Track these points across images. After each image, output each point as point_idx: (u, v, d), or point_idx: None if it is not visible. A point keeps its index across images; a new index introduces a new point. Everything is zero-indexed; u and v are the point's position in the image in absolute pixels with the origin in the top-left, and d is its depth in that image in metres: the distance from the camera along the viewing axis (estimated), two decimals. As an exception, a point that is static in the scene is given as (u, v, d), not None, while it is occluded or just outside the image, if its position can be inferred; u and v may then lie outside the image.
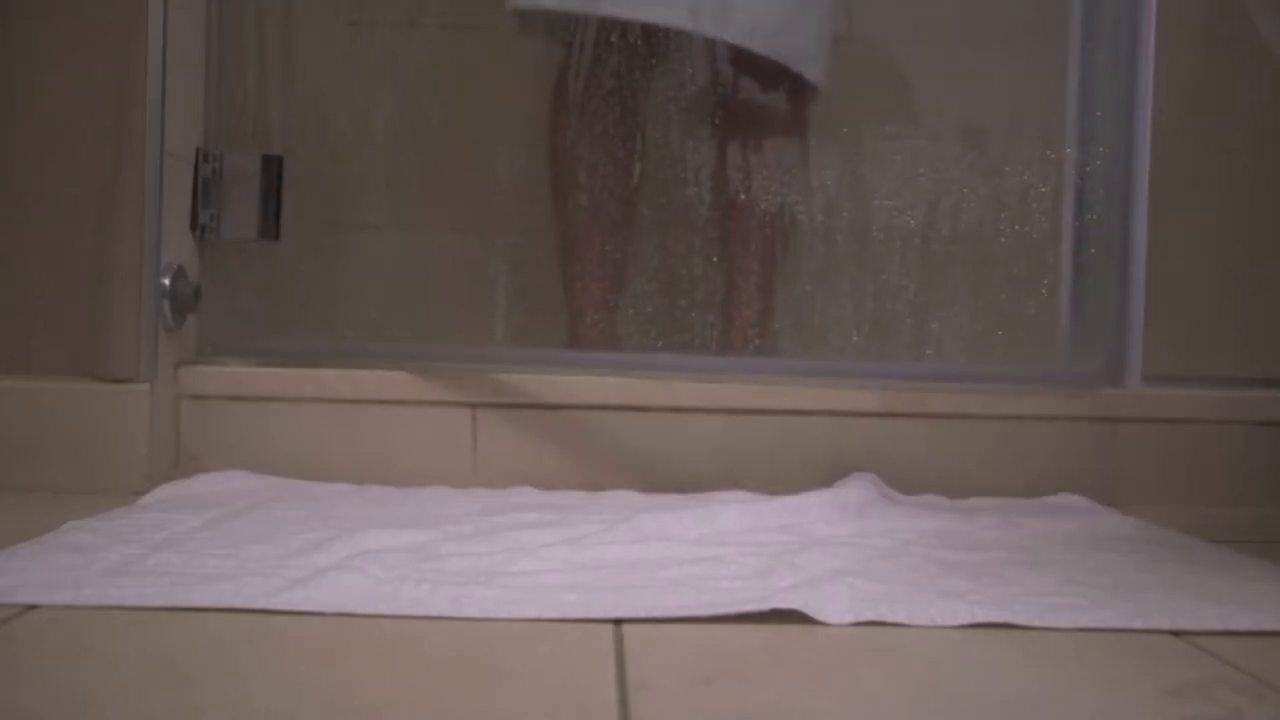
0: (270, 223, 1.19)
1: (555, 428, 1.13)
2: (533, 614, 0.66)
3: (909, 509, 1.04)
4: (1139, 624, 0.66)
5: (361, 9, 1.85)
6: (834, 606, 0.67)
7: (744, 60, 1.46)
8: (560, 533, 0.87)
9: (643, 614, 0.66)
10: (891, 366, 1.24)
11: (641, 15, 1.42)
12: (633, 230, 1.59)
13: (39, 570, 0.71)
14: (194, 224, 1.14)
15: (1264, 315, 1.32)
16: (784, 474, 1.12)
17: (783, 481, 1.10)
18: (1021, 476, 1.17)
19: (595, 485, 1.12)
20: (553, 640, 0.62)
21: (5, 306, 1.06)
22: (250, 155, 1.19)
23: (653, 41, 1.52)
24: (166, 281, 1.07)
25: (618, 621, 0.65)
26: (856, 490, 1.04)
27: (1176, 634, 0.66)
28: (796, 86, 1.52)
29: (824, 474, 1.11)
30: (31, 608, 0.64)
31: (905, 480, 1.12)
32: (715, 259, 1.62)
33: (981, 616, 0.67)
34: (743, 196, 1.58)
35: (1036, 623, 0.66)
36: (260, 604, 0.66)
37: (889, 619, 0.66)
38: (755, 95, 1.52)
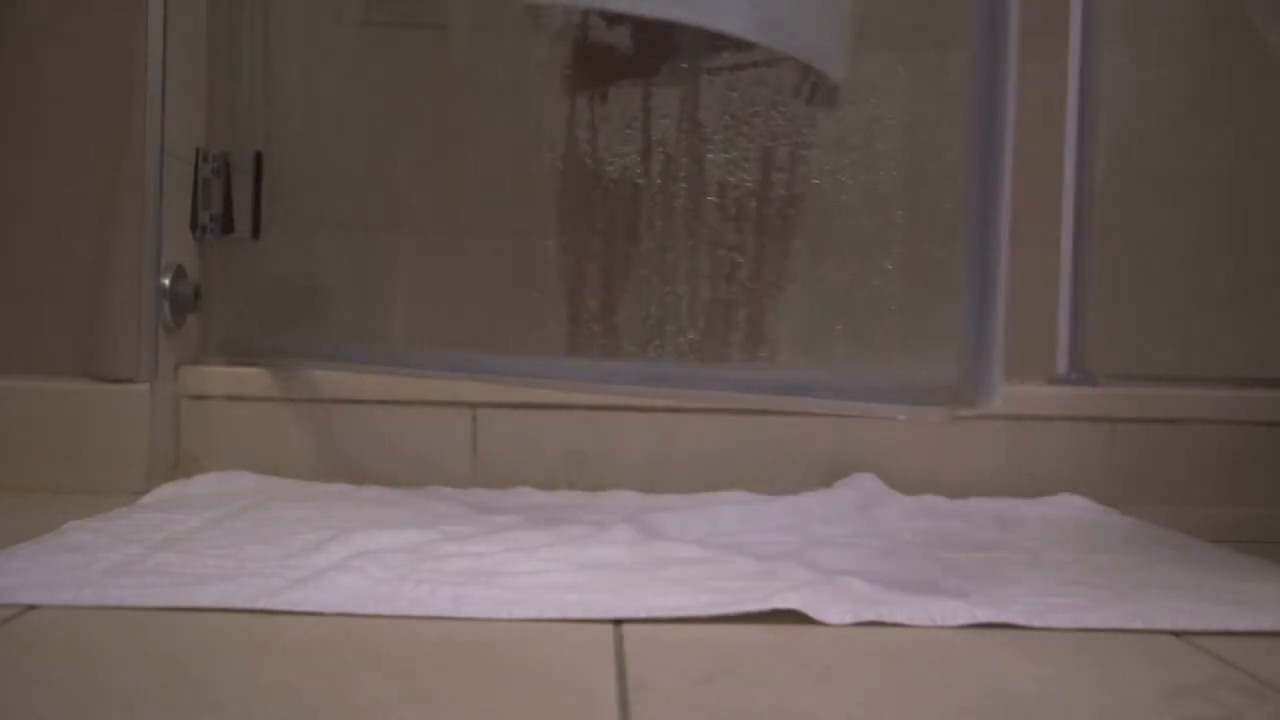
0: (249, 222, 1.18)
1: (555, 428, 1.13)
2: (533, 614, 0.66)
3: (909, 509, 1.04)
4: (1139, 624, 0.66)
5: (367, 10, 1.85)
6: (834, 606, 0.67)
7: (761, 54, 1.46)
8: (560, 532, 0.87)
9: (643, 614, 0.66)
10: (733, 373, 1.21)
11: (661, 13, 1.41)
12: (640, 232, 1.60)
13: (39, 570, 0.71)
14: (194, 224, 1.14)
15: (1264, 315, 1.32)
16: (784, 474, 1.12)
17: (783, 481, 1.10)
18: (1021, 476, 1.17)
19: (595, 485, 1.12)
20: (553, 640, 0.62)
21: (5, 306, 1.06)
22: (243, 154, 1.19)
23: (667, 33, 1.52)
24: (166, 281, 1.07)
25: (618, 621, 0.65)
26: (856, 490, 1.04)
27: (1176, 634, 0.66)
28: (814, 81, 1.53)
29: (824, 474, 1.11)
30: (31, 608, 0.64)
31: (905, 480, 1.12)
32: (726, 255, 1.62)
33: (981, 616, 0.67)
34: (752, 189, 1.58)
35: (1036, 623, 0.66)
36: (260, 604, 0.66)
37: (889, 619, 0.66)
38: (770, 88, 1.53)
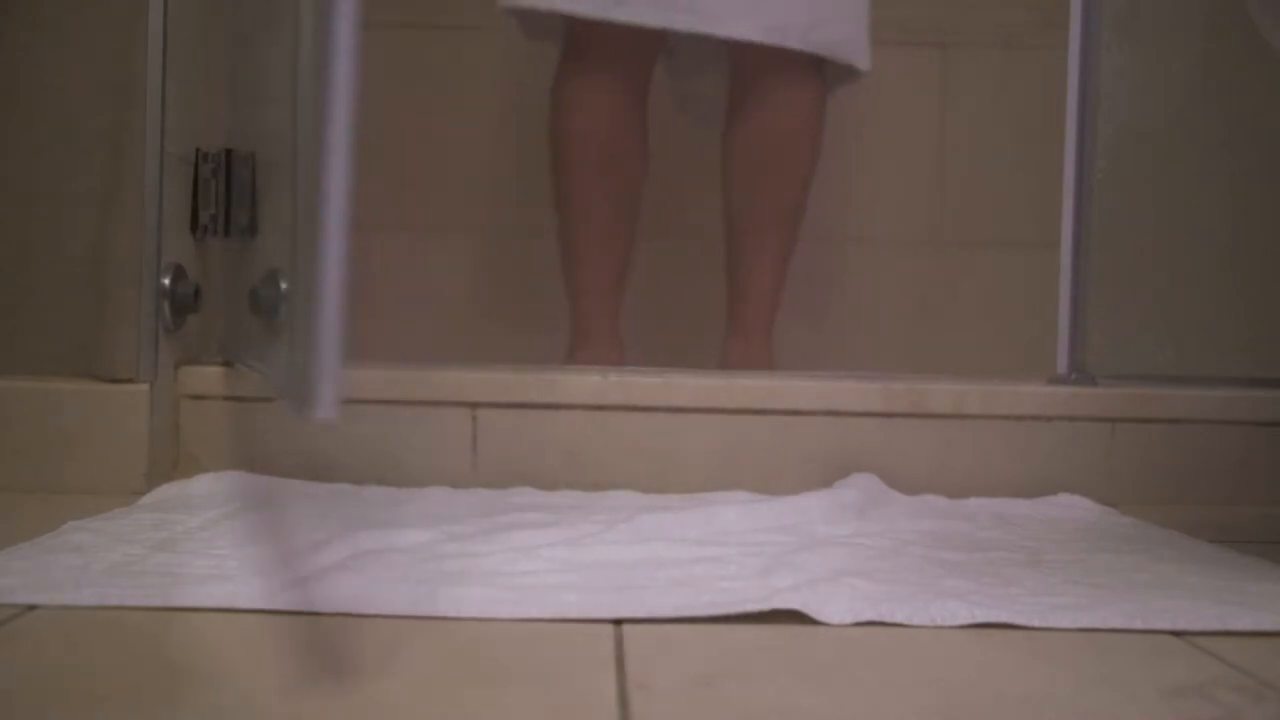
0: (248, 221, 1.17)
1: (555, 428, 1.13)
2: (533, 614, 0.66)
3: (909, 509, 1.04)
4: (1139, 624, 0.66)
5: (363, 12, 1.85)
6: (834, 607, 0.67)
7: (772, 52, 1.44)
8: (560, 533, 0.87)
9: (643, 614, 0.66)
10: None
11: (663, 22, 1.41)
12: (638, 223, 1.55)
13: (39, 570, 0.71)
14: (194, 224, 1.13)
15: (1264, 315, 1.32)
16: (784, 474, 1.12)
17: (783, 481, 1.10)
18: (1021, 476, 1.17)
19: (595, 485, 1.12)
20: (553, 640, 0.62)
21: (5, 306, 1.06)
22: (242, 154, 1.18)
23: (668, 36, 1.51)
24: (166, 282, 1.07)
25: (618, 621, 0.65)
26: (856, 490, 1.04)
27: (1177, 634, 0.66)
28: (830, 73, 1.51)
29: (824, 474, 1.11)
30: (31, 608, 0.64)
31: (905, 480, 1.12)
32: (726, 255, 1.61)
33: (981, 617, 0.67)
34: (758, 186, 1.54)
35: (1036, 623, 0.66)
36: (260, 604, 0.66)
37: (889, 619, 0.66)
38: (780, 84, 1.50)
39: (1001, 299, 1.90)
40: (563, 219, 1.53)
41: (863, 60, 1.47)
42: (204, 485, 1.04)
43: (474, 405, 1.13)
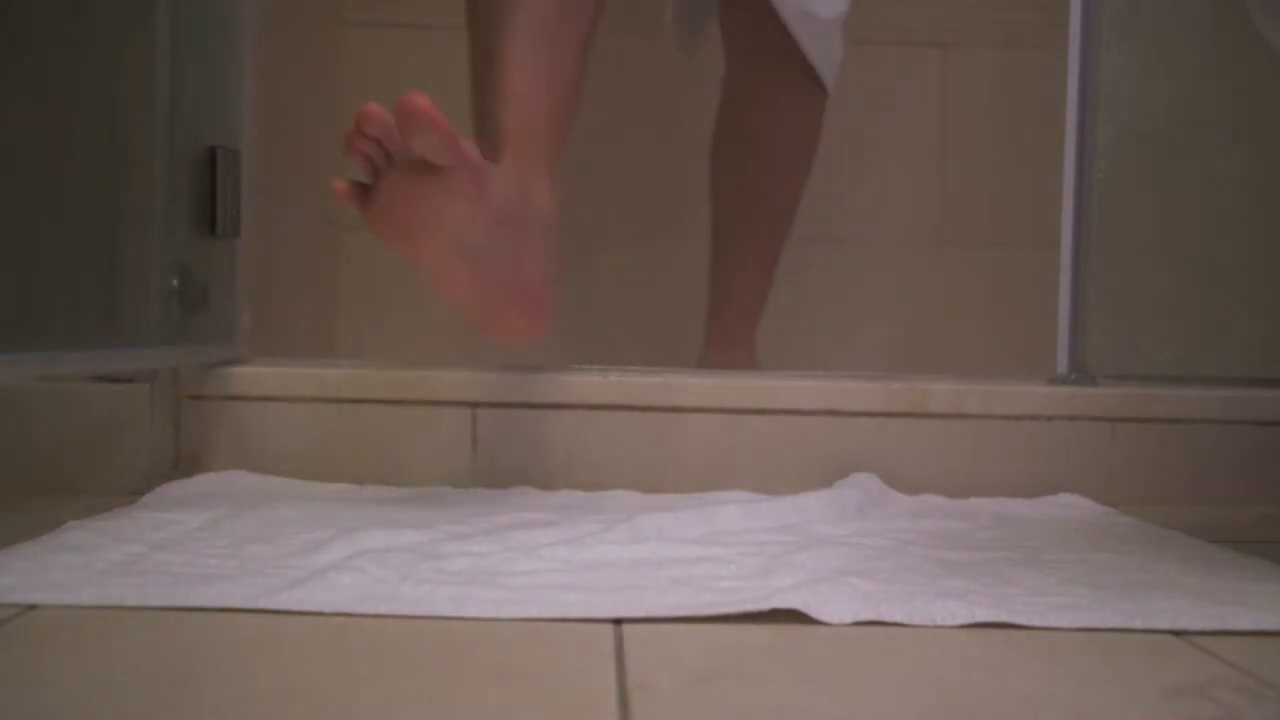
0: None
1: (555, 428, 1.13)
2: (533, 614, 0.66)
3: (909, 509, 1.04)
4: (1139, 624, 0.66)
5: (363, 12, 1.85)
6: (834, 606, 0.67)
7: (775, 53, 1.38)
8: (560, 533, 0.87)
9: (643, 614, 0.66)
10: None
11: None
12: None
13: (39, 570, 0.71)
14: (212, 224, 1.13)
15: (1264, 315, 1.32)
16: (784, 474, 1.12)
17: (783, 481, 1.10)
18: (1021, 476, 1.17)
19: (595, 485, 1.12)
20: (553, 640, 0.62)
21: (6, 305, 1.06)
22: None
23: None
24: (175, 282, 1.07)
25: (617, 621, 0.65)
26: (856, 490, 1.04)
27: (1177, 634, 0.66)
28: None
29: (824, 474, 1.11)
30: (31, 608, 0.64)
31: (905, 480, 1.12)
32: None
33: (981, 616, 0.67)
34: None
35: (1037, 622, 0.66)
36: (261, 604, 0.66)
37: (889, 619, 0.66)
38: (783, 87, 1.43)
39: (1001, 299, 1.90)
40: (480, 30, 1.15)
41: (831, 81, 1.45)
42: (204, 485, 1.04)
43: (474, 405, 1.13)
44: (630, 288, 1.93)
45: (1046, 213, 1.35)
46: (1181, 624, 0.66)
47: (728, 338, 1.48)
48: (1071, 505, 1.11)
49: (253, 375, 1.15)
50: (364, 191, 0.83)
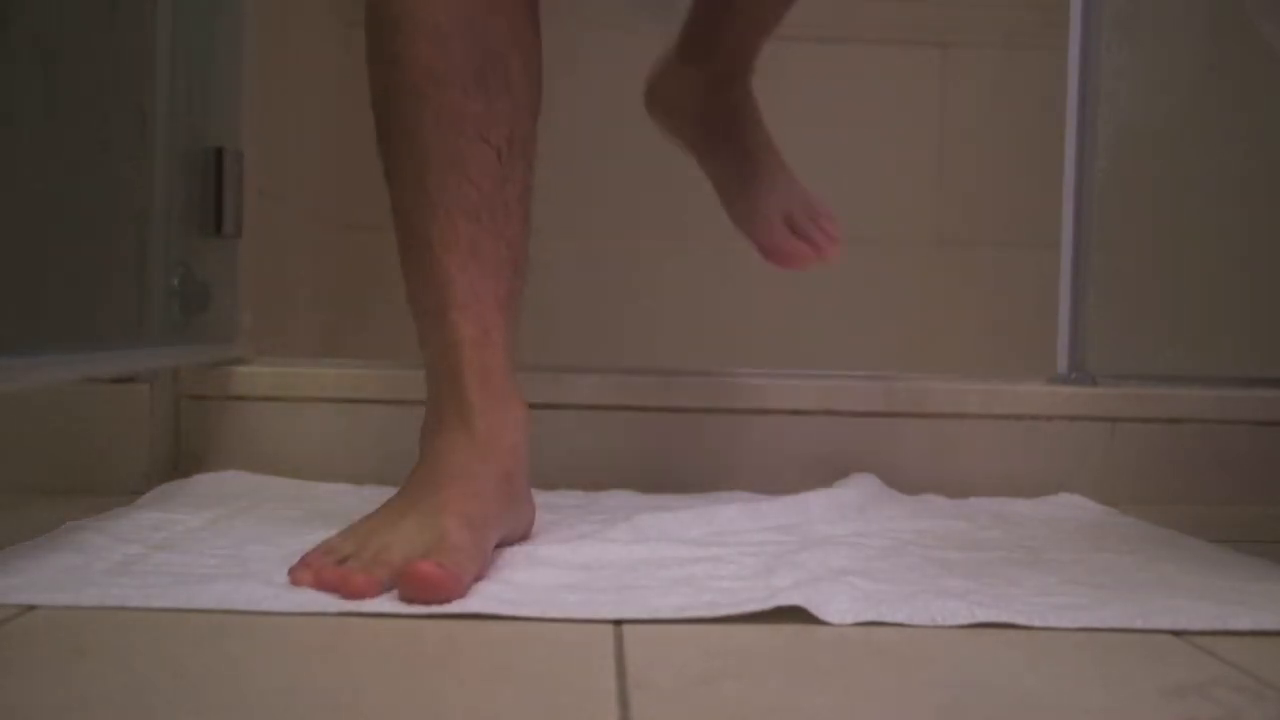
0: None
1: (556, 428, 1.13)
2: (533, 613, 0.66)
3: (909, 509, 1.04)
4: (1139, 624, 0.66)
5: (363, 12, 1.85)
6: (835, 606, 0.67)
7: None
8: (560, 533, 0.87)
9: (644, 614, 0.66)
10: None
11: None
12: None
13: (39, 570, 0.71)
14: (218, 224, 1.13)
15: (1264, 315, 1.32)
16: (784, 474, 1.12)
17: (783, 481, 1.10)
18: (1021, 476, 1.17)
19: (595, 485, 1.12)
20: (553, 640, 0.62)
21: (7, 304, 1.06)
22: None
23: None
24: (175, 282, 1.07)
25: (617, 622, 0.65)
26: (856, 490, 1.04)
27: (1176, 633, 0.66)
28: None
29: (824, 474, 1.11)
30: (31, 608, 0.64)
31: (905, 480, 1.12)
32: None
33: (982, 616, 0.67)
34: None
35: (1037, 622, 0.66)
36: (262, 605, 0.66)
37: (890, 619, 0.66)
38: None
39: (1001, 299, 1.90)
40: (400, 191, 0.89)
41: None
42: (204, 485, 1.04)
43: (474, 405, 1.13)
44: (631, 287, 1.93)
45: (1046, 213, 1.35)
46: (1182, 624, 0.66)
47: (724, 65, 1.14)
48: (1071, 505, 1.11)
49: (253, 375, 1.15)
50: None
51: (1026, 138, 1.83)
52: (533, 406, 1.13)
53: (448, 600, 0.67)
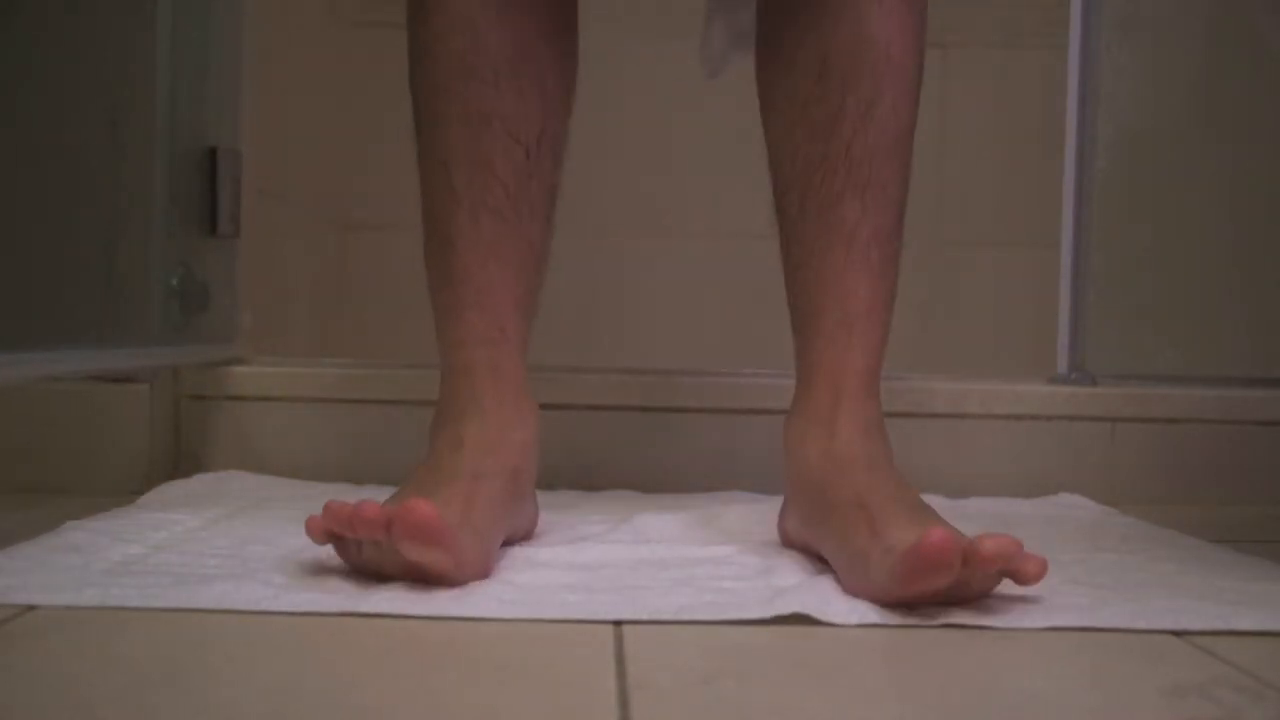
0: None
1: (555, 428, 1.13)
2: (533, 614, 0.66)
3: (909, 509, 1.04)
4: (1140, 624, 0.66)
5: (363, 12, 1.85)
6: (836, 607, 0.67)
7: None
8: (560, 533, 0.87)
9: (645, 615, 0.66)
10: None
11: None
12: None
13: (39, 570, 0.71)
14: (213, 224, 1.13)
15: (1264, 315, 1.32)
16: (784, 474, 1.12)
17: (783, 481, 1.10)
18: (1021, 476, 1.17)
19: (595, 485, 1.12)
20: (553, 640, 0.62)
21: (8, 304, 1.06)
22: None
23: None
24: (174, 282, 1.07)
25: (618, 622, 0.65)
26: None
27: (1177, 634, 0.66)
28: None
29: (824, 474, 1.10)
30: (31, 608, 0.64)
31: (905, 480, 1.12)
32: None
33: (984, 617, 0.67)
34: None
35: (1040, 623, 0.66)
36: (262, 605, 0.66)
37: (890, 619, 0.66)
38: None
39: (1001, 299, 1.90)
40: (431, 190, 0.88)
41: None
42: (204, 485, 1.04)
43: (474, 405, 1.13)
44: (631, 287, 1.93)
45: (1046, 213, 1.35)
46: (1184, 624, 0.66)
47: (826, 404, 0.86)
48: (1071, 505, 1.11)
49: (253, 375, 1.15)
50: (341, 544, 0.72)
51: (1026, 138, 1.83)
52: (533, 406, 1.13)
53: (438, 545, 0.67)
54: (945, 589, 0.67)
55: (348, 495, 1.04)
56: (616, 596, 0.69)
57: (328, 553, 0.75)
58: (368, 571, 0.71)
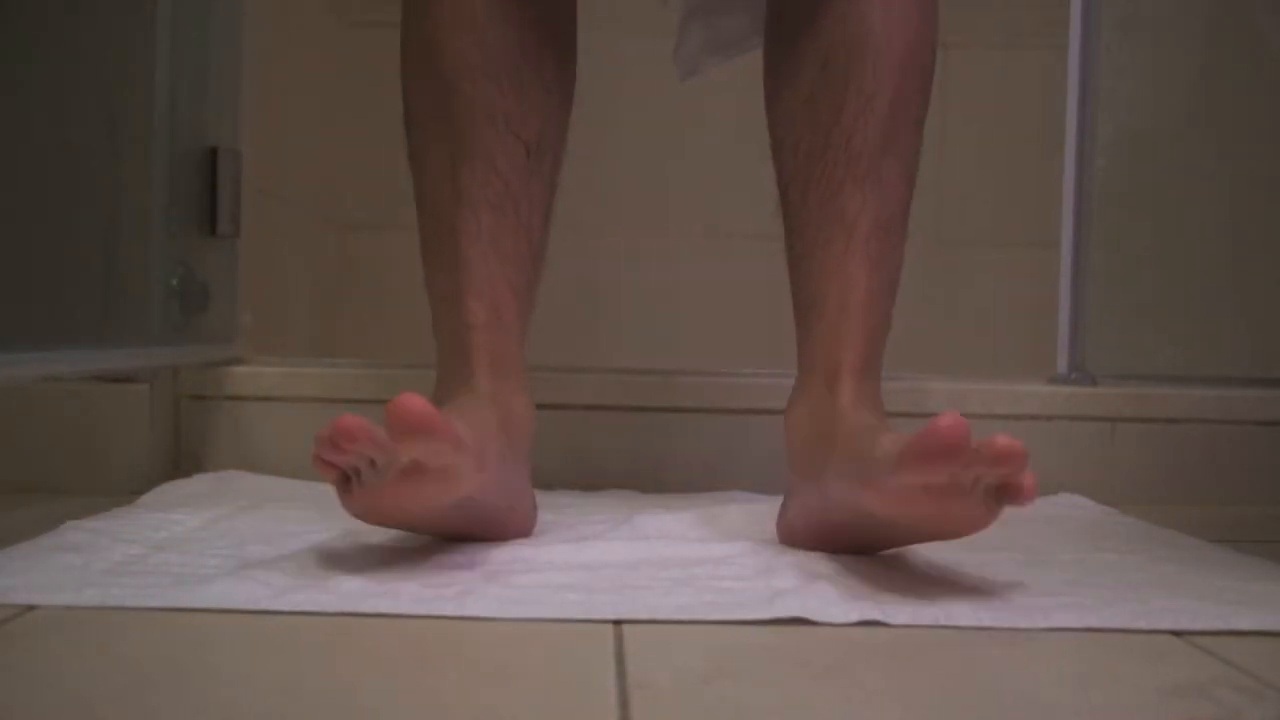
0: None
1: (555, 428, 1.13)
2: (533, 614, 0.66)
3: (909, 509, 1.04)
4: (1141, 624, 0.66)
5: (363, 12, 1.85)
6: (836, 607, 0.67)
7: None
8: (560, 533, 0.87)
9: (645, 615, 0.66)
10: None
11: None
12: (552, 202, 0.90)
13: (39, 570, 0.71)
14: (213, 225, 1.13)
15: (1264, 315, 1.32)
16: (784, 474, 1.12)
17: (783, 481, 1.10)
18: (1021, 476, 1.17)
19: (595, 485, 1.12)
20: (553, 640, 0.62)
21: (9, 303, 1.06)
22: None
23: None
24: (174, 282, 1.07)
25: (617, 621, 0.65)
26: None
27: (1177, 634, 0.66)
28: None
29: (824, 474, 1.10)
30: (31, 608, 0.64)
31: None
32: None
33: (984, 617, 0.67)
34: None
35: (1039, 623, 0.66)
36: (262, 605, 0.66)
37: (890, 619, 0.66)
38: None
39: (1001, 299, 1.90)
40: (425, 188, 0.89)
41: None
42: (204, 485, 1.04)
43: (474, 405, 1.13)
44: (630, 287, 1.93)
45: (1046, 213, 1.35)
46: (1184, 624, 0.66)
47: (821, 384, 0.87)
48: (1071, 505, 1.11)
49: (253, 375, 1.15)
50: (344, 480, 0.70)
51: (1026, 138, 1.83)
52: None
53: (431, 432, 0.65)
54: (948, 484, 0.64)
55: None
56: (616, 596, 0.69)
57: (328, 553, 0.75)
58: (372, 510, 0.69)
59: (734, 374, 1.19)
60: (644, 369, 1.19)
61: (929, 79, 0.88)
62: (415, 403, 0.66)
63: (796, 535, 0.84)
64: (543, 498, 0.93)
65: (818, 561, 0.79)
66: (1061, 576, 0.78)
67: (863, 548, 0.79)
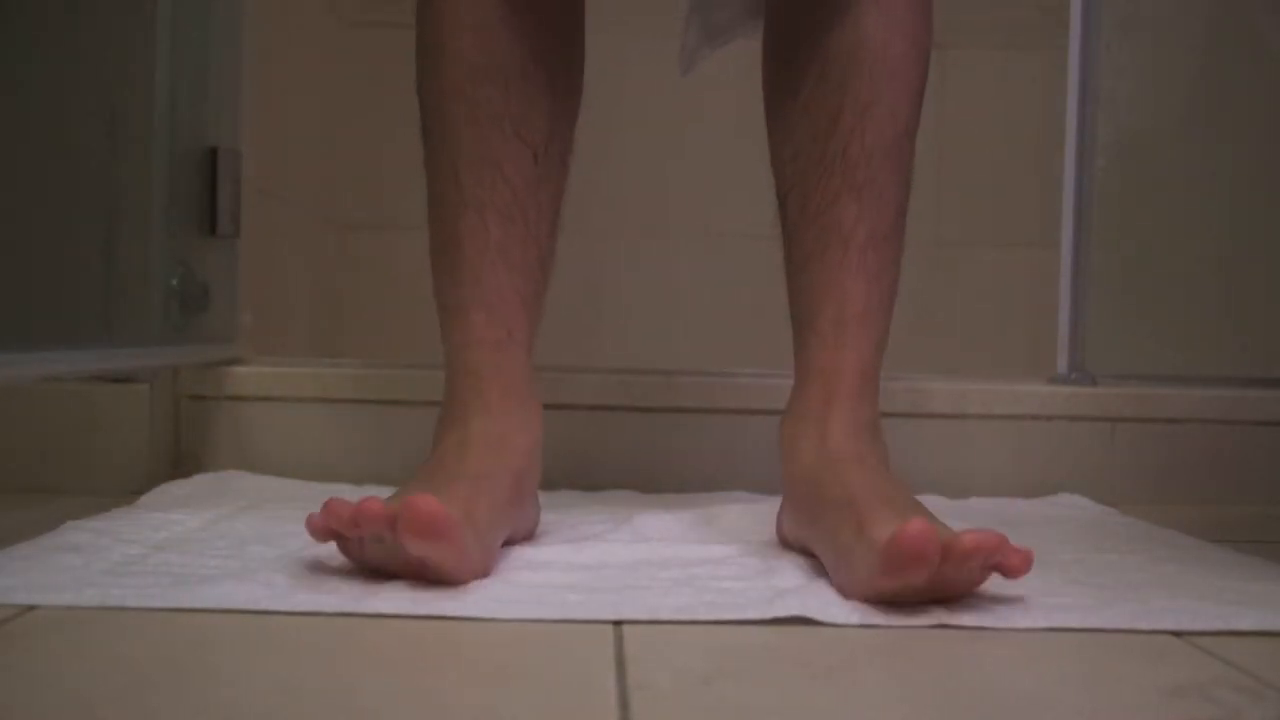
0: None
1: (555, 428, 1.13)
2: (534, 614, 0.66)
3: (909, 509, 1.04)
4: (1141, 624, 0.66)
5: (363, 12, 1.85)
6: (837, 607, 0.67)
7: None
8: (561, 533, 0.87)
9: (645, 615, 0.66)
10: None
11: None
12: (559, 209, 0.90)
13: (39, 570, 0.71)
14: (213, 225, 1.13)
15: (1264, 315, 1.32)
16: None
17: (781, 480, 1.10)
18: (1021, 476, 1.17)
19: (595, 485, 1.12)
20: (553, 640, 0.62)
21: (7, 306, 1.06)
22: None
23: None
24: (174, 282, 1.07)
25: (618, 622, 0.65)
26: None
27: (1177, 634, 0.66)
28: None
29: (824, 474, 1.10)
30: (31, 608, 0.64)
31: (905, 480, 1.12)
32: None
33: (984, 617, 0.67)
34: None
35: (1040, 623, 0.66)
36: (262, 605, 0.66)
37: (891, 620, 0.66)
38: None
39: (1001, 299, 1.90)
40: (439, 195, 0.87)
41: None
42: (204, 485, 1.04)
43: (474, 405, 1.13)
44: (631, 288, 1.93)
45: (1046, 213, 1.35)
46: (1184, 624, 0.66)
47: (817, 405, 0.86)
48: (1071, 505, 1.11)
49: (253, 375, 1.15)
50: (342, 539, 0.71)
51: (1026, 138, 1.83)
52: (533, 406, 1.13)
53: (442, 540, 0.67)
54: (927, 584, 0.66)
55: (348, 495, 1.03)
56: (616, 596, 0.69)
57: (328, 552, 0.75)
58: (371, 568, 0.71)
59: (734, 374, 1.19)
60: (645, 369, 1.19)
61: (922, 89, 0.88)
62: (429, 506, 0.67)
63: (794, 546, 0.84)
64: (544, 498, 0.93)
65: (816, 562, 0.79)
66: (1062, 576, 0.78)
67: None
